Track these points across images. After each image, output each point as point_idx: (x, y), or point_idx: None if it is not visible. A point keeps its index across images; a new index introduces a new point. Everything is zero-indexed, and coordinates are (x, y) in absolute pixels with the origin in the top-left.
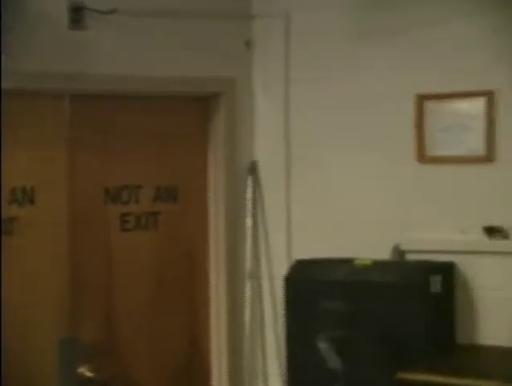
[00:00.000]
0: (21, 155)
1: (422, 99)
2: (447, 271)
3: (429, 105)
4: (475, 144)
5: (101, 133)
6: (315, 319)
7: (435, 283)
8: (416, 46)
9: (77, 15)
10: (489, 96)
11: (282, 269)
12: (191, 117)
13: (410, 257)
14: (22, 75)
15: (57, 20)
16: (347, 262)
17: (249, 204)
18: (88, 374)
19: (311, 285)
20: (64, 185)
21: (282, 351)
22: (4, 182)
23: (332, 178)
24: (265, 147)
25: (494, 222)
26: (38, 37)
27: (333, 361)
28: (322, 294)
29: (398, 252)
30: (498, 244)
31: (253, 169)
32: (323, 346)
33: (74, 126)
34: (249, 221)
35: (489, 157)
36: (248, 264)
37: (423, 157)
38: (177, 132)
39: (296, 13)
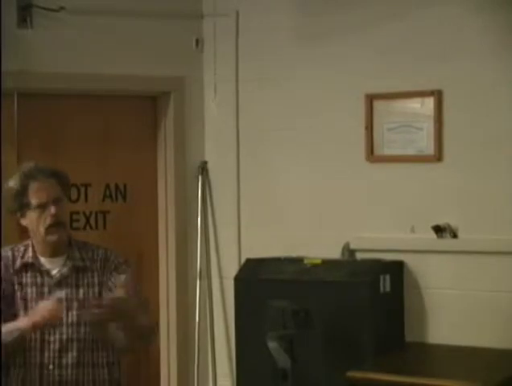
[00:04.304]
0: None
1: (371, 99)
2: (396, 270)
3: (378, 105)
4: (424, 143)
5: (50, 132)
6: (264, 318)
7: (385, 282)
8: (365, 45)
9: (26, 13)
10: (438, 95)
11: (232, 269)
12: (140, 116)
13: (360, 256)
14: None
15: (6, 19)
16: (297, 261)
17: (199, 204)
18: None
19: (261, 285)
20: None
21: (232, 351)
22: None
23: (282, 178)
24: (215, 147)
25: (443, 221)
26: None
27: (283, 360)
28: (272, 293)
29: (348, 251)
30: (447, 243)
31: (203, 169)
32: (272, 345)
33: (22, 124)
34: (199, 221)
35: (437, 156)
36: (198, 264)
37: (372, 156)
38: (126, 130)
39: (246, 12)
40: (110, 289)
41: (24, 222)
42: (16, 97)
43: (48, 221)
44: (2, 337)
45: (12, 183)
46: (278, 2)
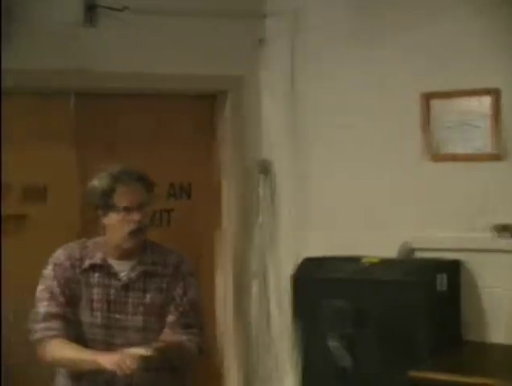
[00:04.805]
0: (31, 153)
1: (427, 98)
2: (453, 269)
3: (435, 104)
4: (482, 142)
5: (110, 131)
6: (322, 318)
7: (442, 281)
8: (422, 44)
9: (90, 13)
10: (496, 94)
11: (290, 268)
12: (201, 115)
13: (418, 255)
14: (32, 73)
15: (71, 18)
16: (354, 260)
17: (258, 203)
18: None
19: (319, 284)
20: (75, 183)
21: (290, 350)
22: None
23: (340, 176)
24: (273, 146)
25: (503, 220)
26: (51, 35)
27: (343, 359)
28: (329, 292)
29: (407, 250)
30: (507, 242)
31: (264, 167)
32: (333, 344)
33: (83, 124)
34: (260, 219)
35: (497, 155)
36: (256, 262)
37: (430, 155)
38: (189, 129)
39: (304, 12)
40: (174, 299)
41: (105, 222)
42: (79, 97)
43: (131, 226)
44: (75, 363)
45: (97, 183)
46: (336, 2)
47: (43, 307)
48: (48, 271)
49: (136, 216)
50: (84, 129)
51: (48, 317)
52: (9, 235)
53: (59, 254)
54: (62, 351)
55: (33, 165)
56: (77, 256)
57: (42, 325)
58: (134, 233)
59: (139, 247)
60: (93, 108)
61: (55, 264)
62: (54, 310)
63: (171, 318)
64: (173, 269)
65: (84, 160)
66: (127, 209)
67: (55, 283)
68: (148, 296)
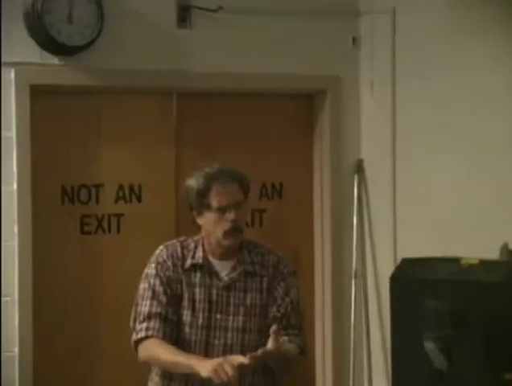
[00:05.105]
0: (129, 152)
1: None
2: None
3: None
4: None
5: (207, 131)
6: (421, 319)
7: None
8: None
9: (185, 14)
10: None
11: (387, 268)
12: (296, 115)
13: None
14: (128, 73)
15: (165, 19)
16: (453, 261)
17: (354, 202)
18: None
19: (418, 285)
20: (171, 182)
21: (387, 350)
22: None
23: (439, 176)
24: (371, 145)
25: None
26: (146, 36)
27: (439, 361)
28: (428, 293)
29: (507, 251)
30: None
31: (359, 167)
32: (429, 345)
33: (180, 123)
34: (354, 220)
35: None
36: (353, 263)
37: None
38: (282, 129)
39: (402, 10)
40: (275, 299)
41: (200, 221)
42: (176, 97)
43: (227, 226)
44: (170, 365)
45: (193, 182)
46: None
47: (145, 306)
48: (151, 270)
49: (231, 216)
50: (183, 128)
51: (150, 316)
52: (105, 233)
53: (162, 253)
54: (156, 350)
55: (130, 164)
56: (179, 255)
57: (144, 325)
58: (228, 233)
59: (237, 247)
60: (191, 108)
61: (157, 263)
62: (156, 310)
63: (272, 320)
64: (273, 269)
65: (181, 159)
66: (222, 209)
67: (157, 282)
68: (249, 296)
